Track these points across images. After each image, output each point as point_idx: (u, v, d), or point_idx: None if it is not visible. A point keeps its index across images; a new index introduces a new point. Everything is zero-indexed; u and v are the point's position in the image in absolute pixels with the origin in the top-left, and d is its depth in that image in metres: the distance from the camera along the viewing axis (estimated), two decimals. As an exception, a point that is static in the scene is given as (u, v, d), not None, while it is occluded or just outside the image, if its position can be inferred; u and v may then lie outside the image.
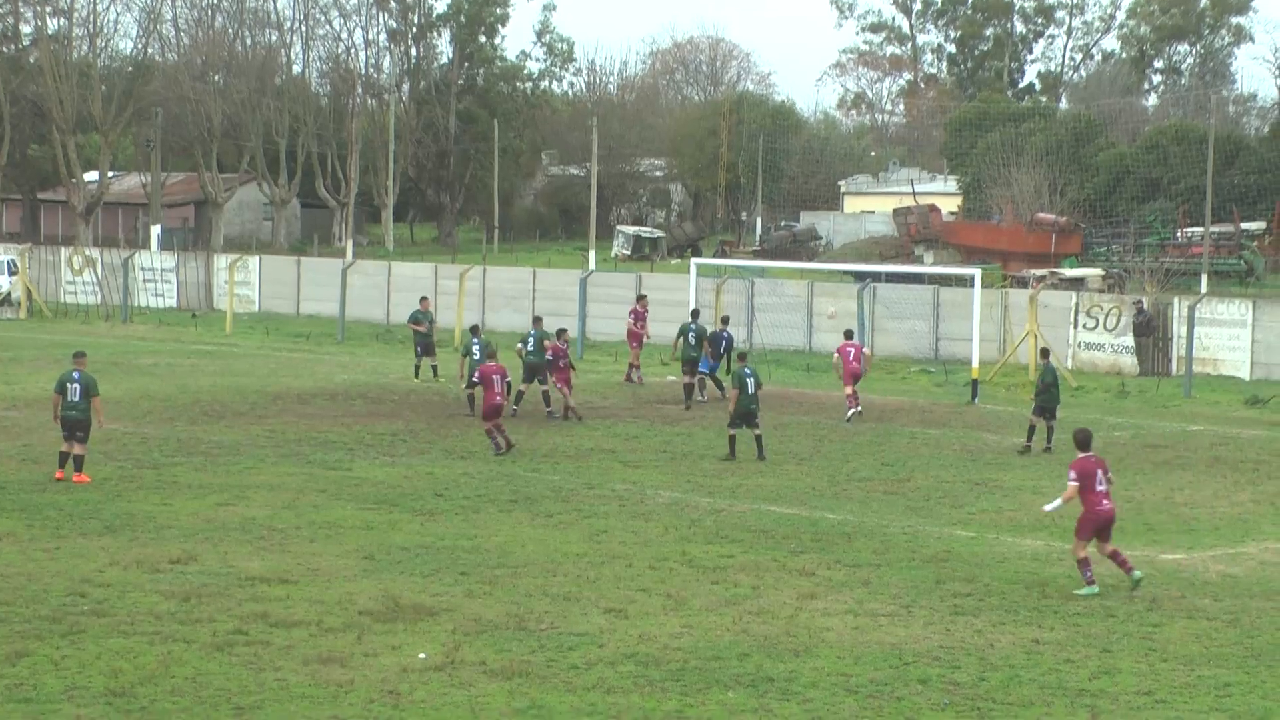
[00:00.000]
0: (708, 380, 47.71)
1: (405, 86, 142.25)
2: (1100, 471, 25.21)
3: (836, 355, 45.23)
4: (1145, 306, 59.69)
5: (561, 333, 45.72)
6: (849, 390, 44.54)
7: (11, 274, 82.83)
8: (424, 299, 55.92)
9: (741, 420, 37.01)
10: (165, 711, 17.83)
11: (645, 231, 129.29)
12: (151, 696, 18.34)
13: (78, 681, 18.85)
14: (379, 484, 33.03)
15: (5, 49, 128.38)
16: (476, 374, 39.34)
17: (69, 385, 32.39)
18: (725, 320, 51.64)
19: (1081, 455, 25.41)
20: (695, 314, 50.04)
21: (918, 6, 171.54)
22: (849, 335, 46.53)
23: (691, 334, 47.75)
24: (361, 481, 33.29)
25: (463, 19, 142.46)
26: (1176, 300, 60.98)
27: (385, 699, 18.50)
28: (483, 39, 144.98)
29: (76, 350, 34.55)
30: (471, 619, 22.15)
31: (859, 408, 44.52)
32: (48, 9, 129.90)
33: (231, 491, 31.63)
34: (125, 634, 20.92)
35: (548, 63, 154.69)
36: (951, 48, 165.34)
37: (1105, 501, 25.08)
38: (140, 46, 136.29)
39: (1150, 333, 58.97)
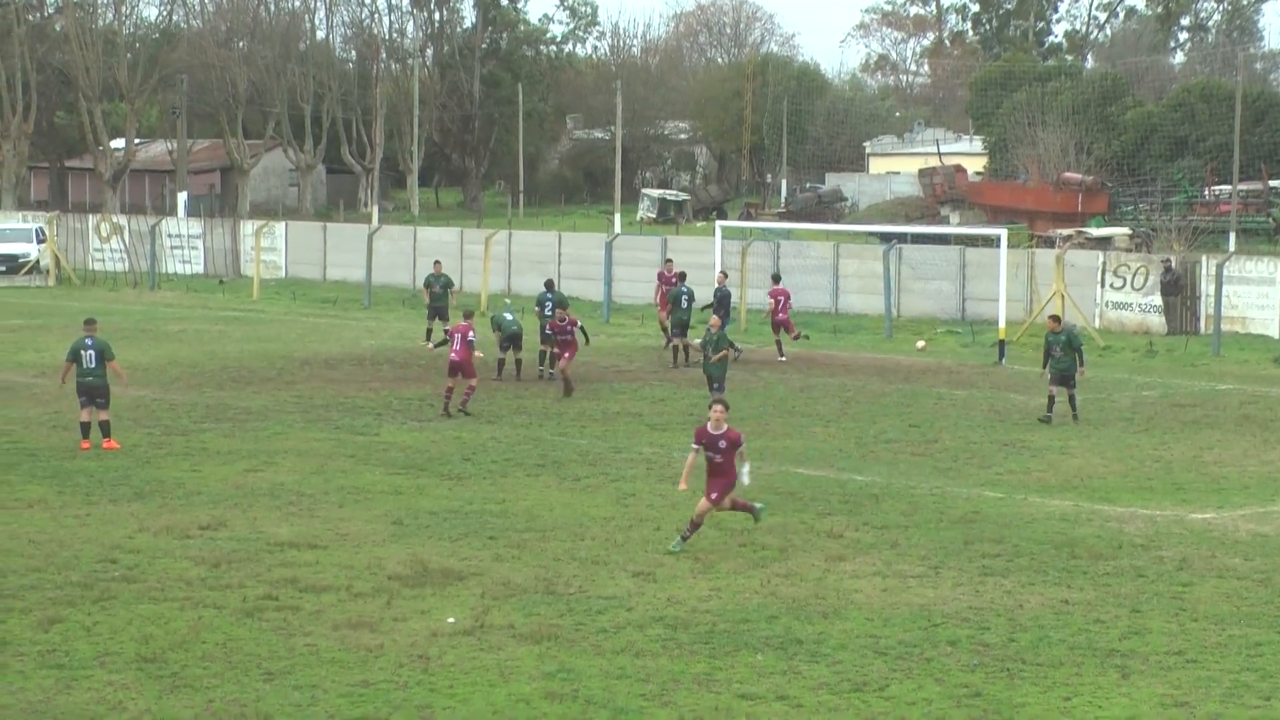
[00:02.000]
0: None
1: (429, 51, 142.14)
2: None
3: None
4: (1173, 265, 59.40)
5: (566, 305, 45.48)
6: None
7: (40, 242, 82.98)
8: (437, 262, 56.60)
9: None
10: (196, 677, 17.86)
11: (670, 194, 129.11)
12: (182, 662, 18.38)
13: (109, 647, 18.89)
14: (407, 449, 33.04)
15: (31, 17, 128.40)
16: (446, 331, 40.79)
17: (83, 352, 32.42)
18: (724, 276, 52.63)
19: None
20: (682, 276, 50.97)
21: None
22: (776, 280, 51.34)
23: (684, 297, 48.50)
24: (389, 446, 33.31)
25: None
26: (1204, 259, 60.65)
27: (415, 663, 18.52)
28: (505, 2, 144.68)
29: (87, 317, 34.58)
30: (500, 583, 22.15)
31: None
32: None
33: (260, 457, 31.68)
34: (156, 600, 20.96)
35: (571, 26, 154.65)
36: (975, 6, 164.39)
37: None
38: (165, 13, 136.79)
39: (1178, 291, 58.66)
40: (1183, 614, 21.22)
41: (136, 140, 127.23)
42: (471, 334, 37.61)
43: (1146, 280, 60.36)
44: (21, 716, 16.45)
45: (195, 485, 28.82)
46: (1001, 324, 51.79)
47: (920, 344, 41.60)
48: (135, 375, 43.37)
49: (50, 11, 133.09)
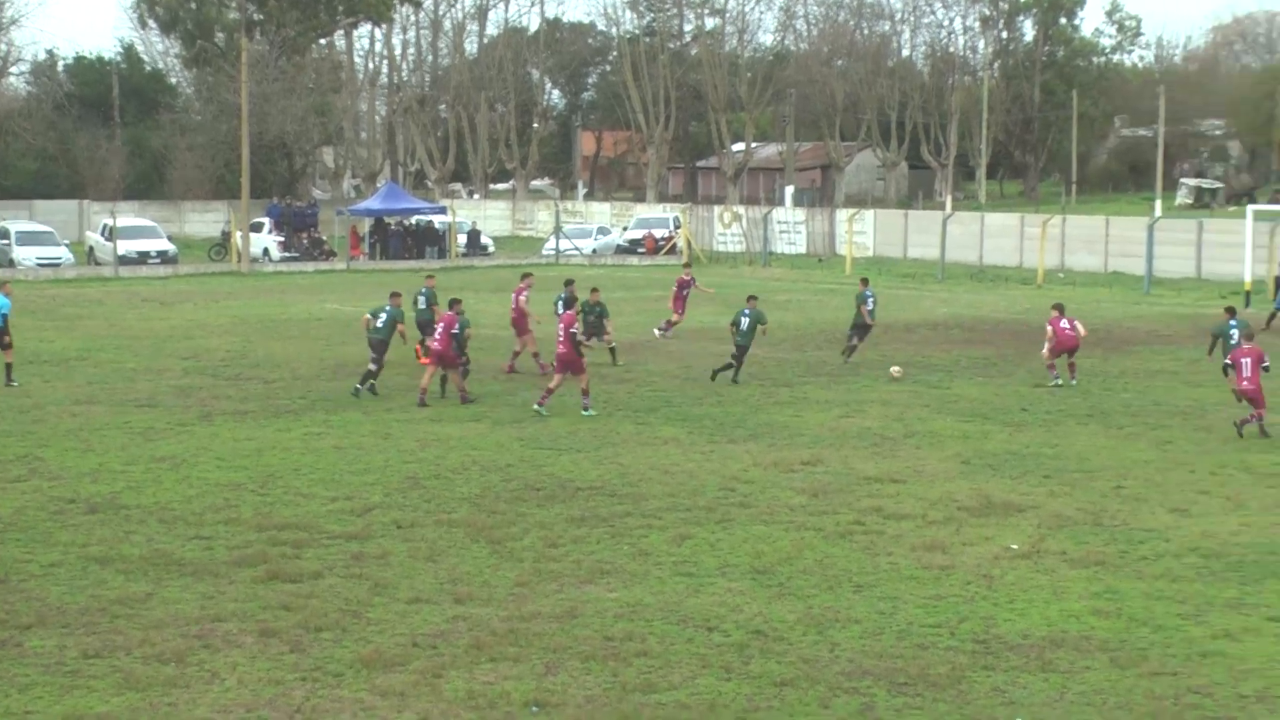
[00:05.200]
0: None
1: (996, 64, 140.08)
2: None
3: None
4: None
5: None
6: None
7: (675, 228, 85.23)
8: (428, 276, 41.26)
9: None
10: (798, 586, 18.02)
11: (1205, 183, 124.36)
12: (787, 574, 18.57)
13: (729, 560, 19.22)
14: (973, 400, 32.68)
15: (671, 44, 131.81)
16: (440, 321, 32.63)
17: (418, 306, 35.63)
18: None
19: None
20: (751, 299, 36.46)
21: None
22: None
23: (745, 318, 35.32)
24: (959, 398, 33.00)
25: (1045, 4, 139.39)
26: None
27: (980, 581, 18.29)
28: (1062, 21, 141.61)
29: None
30: (1053, 515, 21.69)
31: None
32: (705, 10, 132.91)
33: (851, 405, 31.79)
34: (766, 522, 21.24)
35: (1118, 39, 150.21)
36: None
37: None
38: (779, 39, 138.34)
39: None
40: None
41: (753, 144, 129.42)
42: (455, 326, 31.71)
43: None
44: (659, 613, 16.87)
45: (798, 428, 29.10)
46: None
47: (895, 370, 35.29)
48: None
49: (687, 40, 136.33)
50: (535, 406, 30.38)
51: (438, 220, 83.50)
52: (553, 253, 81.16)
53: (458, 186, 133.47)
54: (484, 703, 14.17)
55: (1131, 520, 21.46)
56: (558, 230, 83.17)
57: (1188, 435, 28.41)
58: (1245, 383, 28.00)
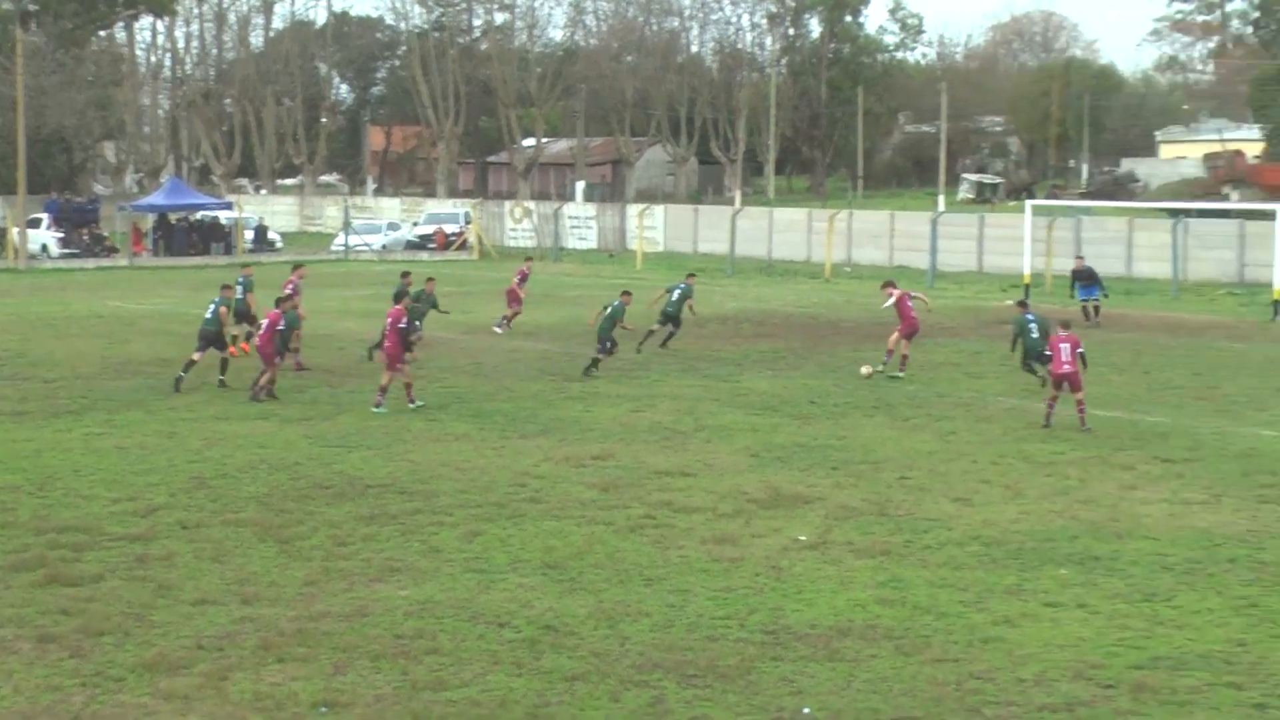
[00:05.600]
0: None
1: (783, 61, 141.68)
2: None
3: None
4: None
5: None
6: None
7: (466, 224, 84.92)
8: (245, 266, 42.16)
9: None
10: (590, 581, 18.04)
11: (986, 178, 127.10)
12: (579, 569, 18.58)
13: (520, 556, 19.17)
14: (763, 393, 33.02)
15: (460, 40, 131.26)
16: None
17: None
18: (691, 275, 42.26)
19: None
20: (690, 276, 41.50)
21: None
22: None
23: (678, 291, 39.94)
24: (748, 392, 33.32)
25: (830, 2, 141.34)
26: None
27: (769, 573, 18.48)
28: (847, 19, 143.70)
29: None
30: (840, 506, 22.00)
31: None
32: (494, 5, 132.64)
33: (641, 400, 31.92)
34: (557, 517, 21.24)
35: (901, 37, 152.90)
36: (1257, 13, 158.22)
37: None
38: (568, 34, 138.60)
39: None
40: None
41: (543, 139, 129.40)
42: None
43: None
44: (450, 610, 16.80)
45: (589, 423, 29.15)
46: (1276, 286, 50.00)
47: (865, 370, 35.63)
48: (543, 333, 44.14)
49: (477, 35, 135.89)
50: (375, 408, 30.12)
51: (223, 216, 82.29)
52: (342, 249, 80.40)
53: (244, 182, 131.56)
54: (271, 704, 13.97)
55: (916, 510, 21.84)
56: (347, 226, 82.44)
57: (970, 426, 28.99)
58: (1065, 366, 28.70)
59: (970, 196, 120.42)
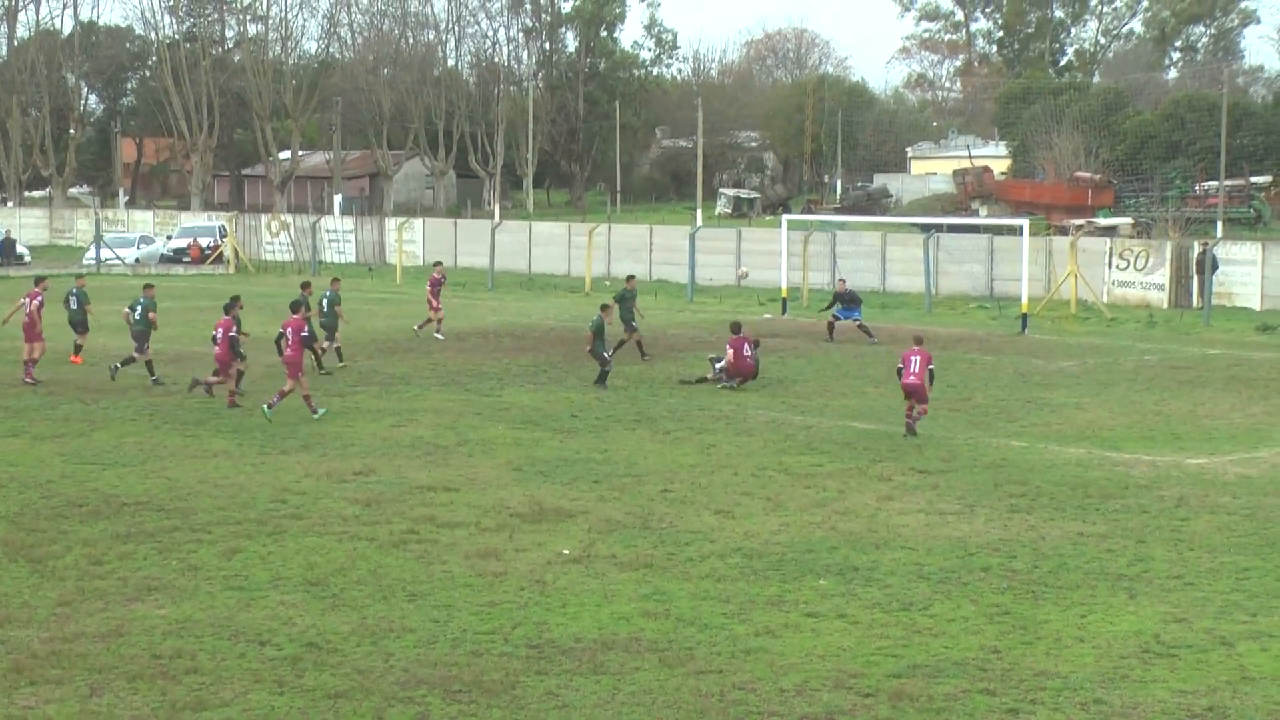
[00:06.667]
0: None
1: (540, 75, 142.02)
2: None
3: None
4: (1209, 248, 57.80)
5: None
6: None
7: (221, 237, 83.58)
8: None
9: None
10: (353, 597, 17.88)
11: (743, 193, 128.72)
12: (341, 585, 18.41)
13: (281, 573, 18.94)
14: (525, 408, 33.03)
15: (214, 50, 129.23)
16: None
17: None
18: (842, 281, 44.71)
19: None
20: (630, 278, 44.93)
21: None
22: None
23: (626, 297, 42.24)
24: (510, 406, 33.31)
25: (586, 16, 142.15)
26: (1195, 244, 60.09)
27: (533, 587, 18.48)
28: (603, 34, 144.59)
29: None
30: (603, 520, 22.09)
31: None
32: (247, 16, 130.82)
33: (403, 415, 31.73)
34: (319, 533, 21.01)
35: (656, 53, 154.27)
36: (1000, 33, 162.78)
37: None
38: (323, 46, 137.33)
39: (1215, 269, 56.38)
40: (1181, 544, 20.95)
41: (300, 152, 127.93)
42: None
43: (1148, 262, 59.71)
44: (210, 629, 16.51)
45: (350, 438, 28.90)
46: (1024, 300, 51.45)
47: (743, 270, 37.13)
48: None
49: (230, 46, 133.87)
50: (265, 409, 30.69)
51: (-33, 228, 79.83)
52: (93, 262, 78.54)
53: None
54: (24, 731, 13.60)
55: (678, 522, 22.02)
56: (98, 239, 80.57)
57: (730, 439, 29.32)
58: (912, 378, 29.40)
59: (728, 211, 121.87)
